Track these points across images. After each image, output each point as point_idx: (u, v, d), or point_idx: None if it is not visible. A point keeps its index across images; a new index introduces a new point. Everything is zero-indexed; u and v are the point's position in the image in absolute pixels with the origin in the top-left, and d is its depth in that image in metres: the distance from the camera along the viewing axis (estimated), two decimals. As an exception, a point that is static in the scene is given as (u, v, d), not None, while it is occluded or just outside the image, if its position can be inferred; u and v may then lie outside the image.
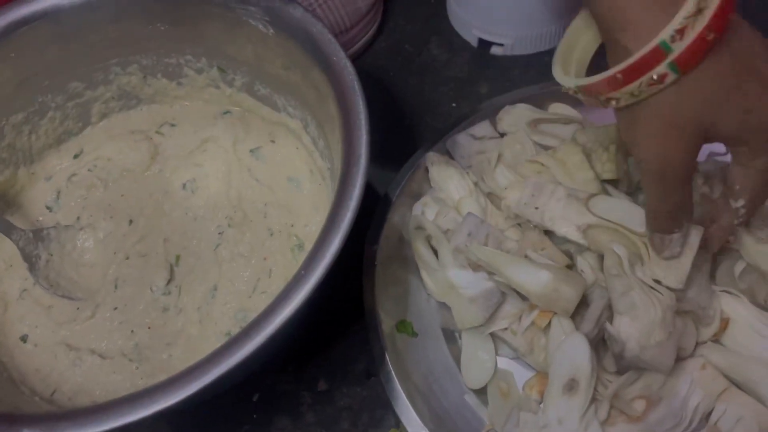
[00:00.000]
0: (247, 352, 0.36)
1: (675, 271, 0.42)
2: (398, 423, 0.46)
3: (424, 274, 0.49)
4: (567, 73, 0.40)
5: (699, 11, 0.32)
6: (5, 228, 0.48)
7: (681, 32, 0.32)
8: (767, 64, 0.34)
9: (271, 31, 0.47)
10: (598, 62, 0.39)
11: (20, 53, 0.49)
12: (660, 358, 0.40)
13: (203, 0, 0.48)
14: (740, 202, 0.39)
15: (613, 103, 0.35)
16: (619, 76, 0.34)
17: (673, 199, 0.38)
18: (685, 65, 0.33)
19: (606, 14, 0.35)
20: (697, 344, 0.44)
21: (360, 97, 0.42)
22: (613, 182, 0.48)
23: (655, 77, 0.33)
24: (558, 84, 0.55)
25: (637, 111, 0.35)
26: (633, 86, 0.34)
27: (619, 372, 0.42)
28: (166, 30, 0.51)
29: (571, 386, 0.41)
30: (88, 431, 0.33)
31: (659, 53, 0.32)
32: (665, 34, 0.32)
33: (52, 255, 0.50)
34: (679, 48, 0.32)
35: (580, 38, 0.41)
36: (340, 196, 0.39)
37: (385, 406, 0.47)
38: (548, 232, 0.47)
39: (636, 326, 0.40)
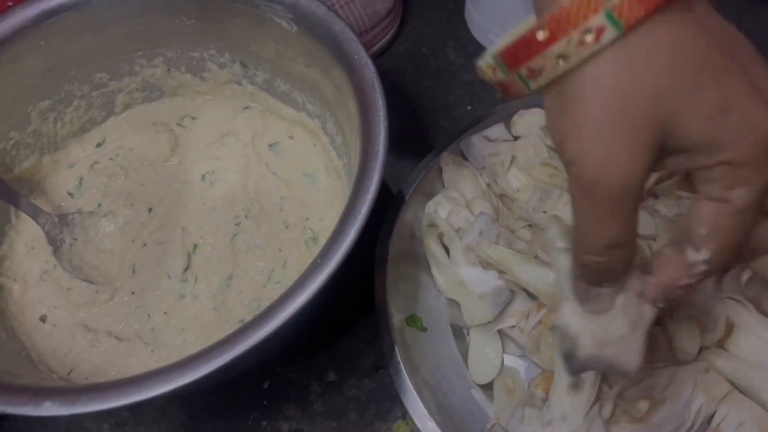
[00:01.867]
0: (261, 336, 0.36)
1: None
2: (405, 415, 0.47)
3: (434, 271, 0.50)
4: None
5: None
6: (33, 211, 0.49)
7: None
8: (749, 54, 0.26)
9: (295, 28, 0.48)
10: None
11: (49, 42, 0.51)
12: (623, 356, 0.31)
13: (229, -4, 0.50)
14: (703, 254, 0.27)
15: (537, 82, 0.26)
16: (543, 32, 0.24)
17: (610, 233, 0.26)
18: (629, 15, 0.23)
19: None
20: (701, 349, 0.45)
21: (379, 94, 0.43)
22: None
23: (589, 30, 0.24)
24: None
25: (569, 90, 0.25)
26: (560, 45, 0.24)
27: (572, 374, 0.36)
28: (191, 24, 0.52)
29: (576, 384, 0.42)
30: (105, 405, 0.34)
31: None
32: None
33: (75, 240, 0.51)
34: None
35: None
36: (357, 189, 0.40)
37: (392, 399, 0.48)
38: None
39: (591, 316, 0.31)
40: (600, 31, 0.24)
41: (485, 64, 0.28)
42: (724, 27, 0.26)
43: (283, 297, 0.38)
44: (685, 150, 0.25)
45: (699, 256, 0.27)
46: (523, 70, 0.26)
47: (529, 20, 0.26)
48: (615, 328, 0.30)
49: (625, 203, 0.25)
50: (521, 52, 0.25)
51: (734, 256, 0.27)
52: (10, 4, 0.65)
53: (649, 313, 0.30)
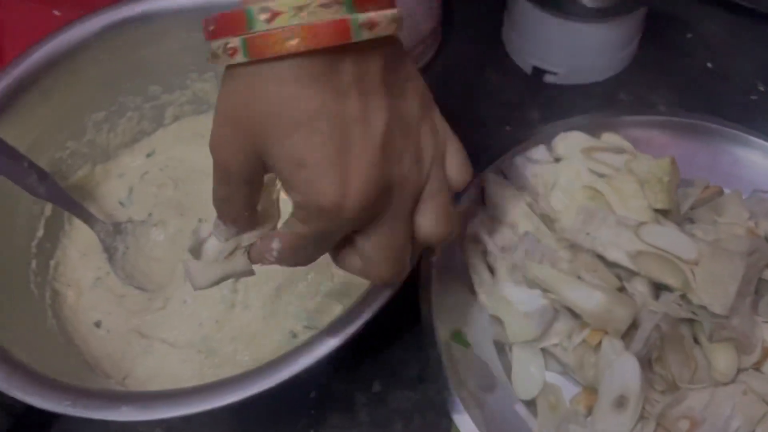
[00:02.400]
0: (327, 351, 0.38)
1: (720, 298, 0.45)
2: (449, 428, 0.49)
3: (477, 288, 0.51)
4: None
5: (321, 5, 0.27)
6: (89, 219, 0.51)
7: (276, 14, 0.27)
8: (358, 132, 0.30)
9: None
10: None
11: (110, 55, 0.53)
12: (196, 277, 0.38)
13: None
14: (276, 246, 0.35)
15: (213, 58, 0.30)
16: (211, 26, 0.30)
17: (220, 191, 0.34)
18: (257, 52, 0.28)
19: None
20: (739, 371, 0.46)
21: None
22: (663, 212, 0.50)
23: (229, 46, 0.28)
24: (609, 114, 0.58)
25: (225, 79, 0.31)
26: (217, 44, 0.29)
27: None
28: (245, 42, 0.54)
29: (620, 402, 0.43)
30: (181, 412, 0.36)
31: (241, 20, 0.28)
32: (255, 4, 0.28)
33: (128, 248, 0.53)
34: (260, 28, 0.28)
35: None
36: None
37: (436, 411, 0.49)
38: (598, 257, 0.49)
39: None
40: (234, 51, 0.28)
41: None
42: (358, 102, 0.30)
43: (352, 310, 0.39)
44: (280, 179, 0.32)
45: (275, 246, 0.35)
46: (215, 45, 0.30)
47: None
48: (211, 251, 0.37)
49: (232, 177, 0.33)
50: (208, 24, 0.30)
51: (296, 263, 0.35)
52: (56, 13, 0.67)
53: (241, 264, 0.37)
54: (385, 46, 0.32)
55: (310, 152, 0.30)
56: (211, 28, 0.30)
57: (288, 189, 0.32)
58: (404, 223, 0.35)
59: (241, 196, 0.34)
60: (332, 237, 0.34)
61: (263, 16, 0.28)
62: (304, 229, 0.33)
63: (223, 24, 0.29)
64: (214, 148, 0.32)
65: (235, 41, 0.28)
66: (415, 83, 0.35)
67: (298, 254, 0.35)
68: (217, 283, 0.37)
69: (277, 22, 0.28)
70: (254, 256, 0.37)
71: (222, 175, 0.33)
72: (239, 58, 0.28)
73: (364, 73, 0.31)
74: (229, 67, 0.30)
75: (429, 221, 0.35)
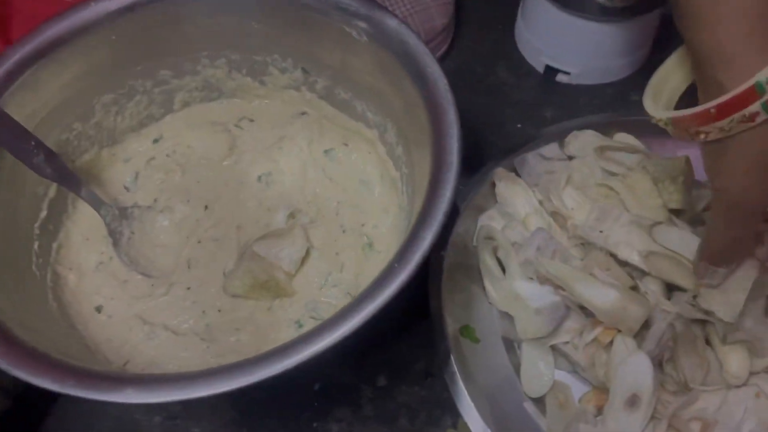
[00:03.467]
0: (333, 341, 0.37)
1: (729, 305, 0.44)
2: (455, 424, 0.48)
3: (487, 283, 0.51)
4: (657, 106, 0.42)
5: None
6: (95, 202, 0.50)
7: None
8: None
9: (365, 38, 0.49)
10: (685, 100, 0.41)
11: (121, 37, 0.52)
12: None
13: (302, 4, 0.51)
14: None
15: (702, 136, 0.37)
16: (712, 111, 0.35)
17: (736, 233, 0.39)
18: None
19: (704, 47, 0.36)
20: (752, 374, 0.46)
21: (453, 107, 0.44)
22: (677, 212, 0.50)
23: (747, 115, 0.34)
24: (622, 114, 0.58)
25: (725, 144, 0.37)
26: (724, 122, 0.35)
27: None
28: (258, 28, 0.53)
29: (632, 402, 0.43)
30: (186, 395, 0.35)
31: (753, 93, 0.34)
32: (762, 76, 0.33)
33: (134, 233, 0.52)
34: None
35: (673, 75, 0.43)
36: (431, 197, 0.41)
37: (442, 407, 0.48)
38: (611, 255, 0.49)
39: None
40: (755, 115, 0.34)
41: (658, 119, 0.41)
42: None
43: (357, 301, 0.38)
44: None
45: None
46: (691, 130, 0.37)
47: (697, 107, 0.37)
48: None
49: (750, 216, 0.38)
50: (692, 122, 0.37)
51: None
52: (67, -2, 0.67)
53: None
54: None
55: None
56: (713, 112, 0.35)
57: None
58: None
59: (752, 230, 0.41)
60: None
61: None
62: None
63: (731, 104, 0.34)
64: (738, 193, 0.37)
65: (754, 107, 0.34)
66: None
67: None
68: None
69: None
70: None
71: (739, 216, 0.38)
72: (761, 118, 0.34)
73: None
74: (728, 137, 0.36)
75: None
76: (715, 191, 0.39)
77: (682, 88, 0.43)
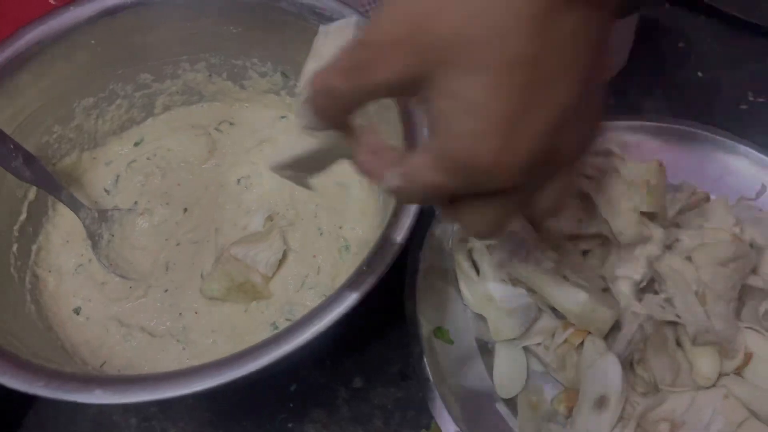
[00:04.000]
0: (304, 341, 0.38)
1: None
2: (429, 424, 0.48)
3: (462, 286, 0.51)
4: None
5: None
6: (74, 205, 0.51)
7: None
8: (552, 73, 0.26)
9: (341, 43, 0.50)
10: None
11: (101, 41, 0.52)
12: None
13: (278, 8, 0.51)
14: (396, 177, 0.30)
15: None
16: None
17: (347, 78, 0.29)
18: None
19: None
20: (720, 375, 0.46)
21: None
22: (650, 215, 0.50)
23: None
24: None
25: None
26: None
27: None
28: (237, 32, 0.54)
29: (601, 403, 0.43)
30: (156, 396, 0.35)
31: None
32: None
33: (113, 236, 0.52)
34: None
35: None
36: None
37: (417, 408, 0.49)
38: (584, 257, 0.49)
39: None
40: None
41: None
42: (563, 60, 0.26)
43: (326, 302, 0.39)
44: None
45: (398, 171, 0.29)
46: None
47: None
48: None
49: (370, 77, 0.28)
50: None
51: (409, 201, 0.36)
52: (52, 1, 0.67)
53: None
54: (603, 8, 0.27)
55: (491, 101, 0.25)
56: None
57: (432, 130, 0.28)
58: (529, 196, 0.31)
59: (361, 96, 0.29)
60: (457, 191, 0.29)
61: None
62: (434, 178, 0.28)
63: None
64: (372, 42, 0.27)
65: None
66: (604, 55, 0.30)
67: (414, 196, 0.31)
68: (289, 167, 0.34)
69: None
70: (367, 167, 0.31)
71: (361, 67, 0.28)
72: None
73: (580, 31, 0.26)
74: None
75: (547, 202, 0.31)
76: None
77: None
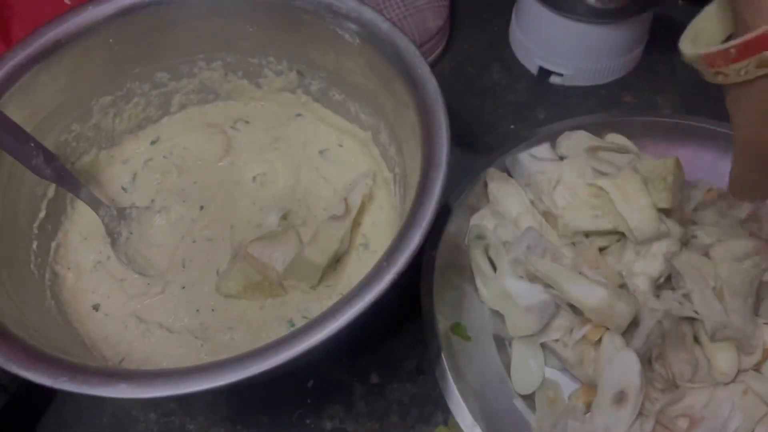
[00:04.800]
0: (323, 338, 0.38)
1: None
2: (446, 420, 0.48)
3: (479, 282, 0.51)
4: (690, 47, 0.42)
5: None
6: (94, 203, 0.51)
7: None
8: None
9: (357, 41, 0.50)
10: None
11: (118, 40, 0.53)
12: None
13: (295, 7, 0.51)
14: None
15: (720, 78, 0.38)
16: (732, 51, 0.36)
17: (753, 170, 0.42)
18: None
19: None
20: (739, 371, 0.46)
21: (442, 108, 0.45)
22: (667, 212, 0.50)
23: (764, 59, 0.34)
24: (614, 115, 0.59)
25: (744, 89, 0.38)
26: (742, 64, 0.35)
27: None
28: (253, 31, 0.54)
29: (620, 398, 0.43)
30: (180, 390, 0.35)
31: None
32: None
33: (131, 233, 0.53)
34: None
35: (712, 22, 0.43)
36: (420, 197, 0.42)
37: (433, 404, 0.49)
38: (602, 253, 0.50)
39: None
40: None
41: (689, 56, 0.41)
42: None
43: (345, 299, 0.39)
44: None
45: None
46: (712, 70, 0.38)
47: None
48: None
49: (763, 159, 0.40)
50: (714, 60, 0.38)
51: None
52: (67, 2, 0.68)
53: None
54: None
55: None
56: (733, 52, 0.35)
57: None
58: None
59: None
60: None
61: None
62: None
63: (750, 45, 0.34)
64: (753, 134, 0.39)
65: None
66: None
67: None
68: None
69: None
70: None
71: (755, 155, 0.41)
72: None
73: None
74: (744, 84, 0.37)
75: None
76: (734, 127, 0.41)
77: (720, 36, 0.43)
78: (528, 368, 0.48)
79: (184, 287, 0.51)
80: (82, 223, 0.54)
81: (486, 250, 0.52)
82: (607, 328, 0.46)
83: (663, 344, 0.46)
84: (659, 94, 0.64)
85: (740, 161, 0.43)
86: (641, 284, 0.47)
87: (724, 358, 0.46)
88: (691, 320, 0.47)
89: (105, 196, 0.56)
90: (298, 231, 0.53)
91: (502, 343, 0.50)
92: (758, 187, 0.44)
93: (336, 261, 0.51)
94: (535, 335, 0.47)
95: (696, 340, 0.47)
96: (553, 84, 0.66)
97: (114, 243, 0.52)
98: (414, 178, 0.44)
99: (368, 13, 0.49)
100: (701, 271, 0.48)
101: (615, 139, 0.57)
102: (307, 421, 0.49)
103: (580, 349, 0.47)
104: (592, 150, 0.55)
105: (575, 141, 0.56)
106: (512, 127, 0.63)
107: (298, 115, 0.59)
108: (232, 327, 0.50)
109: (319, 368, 0.51)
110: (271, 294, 0.50)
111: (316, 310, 0.50)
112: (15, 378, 0.37)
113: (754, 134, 0.39)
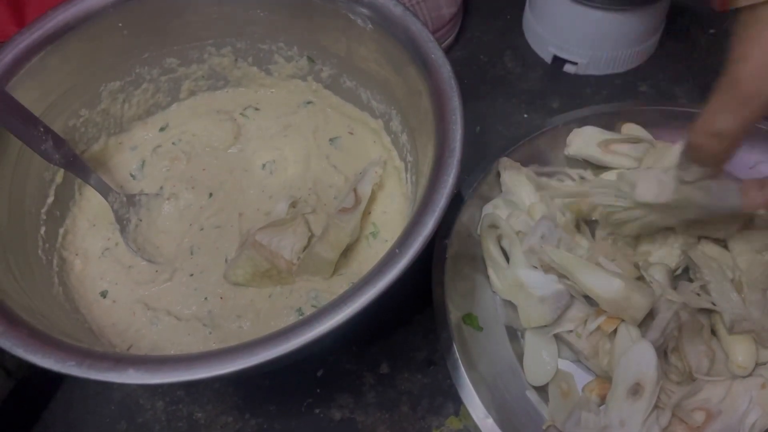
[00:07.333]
0: (334, 325, 0.37)
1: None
2: (457, 411, 0.48)
3: (491, 272, 0.51)
4: None
5: None
6: (103, 189, 0.50)
7: None
8: None
9: (369, 26, 0.49)
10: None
11: (128, 24, 0.52)
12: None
13: (306, -9, 0.51)
14: None
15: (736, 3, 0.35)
16: None
17: (736, 116, 0.35)
18: None
19: None
20: (757, 364, 0.45)
21: (457, 93, 0.44)
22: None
23: None
24: (630, 105, 0.58)
25: (758, 12, 0.34)
26: None
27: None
28: (264, 16, 0.54)
29: (635, 390, 0.42)
30: (189, 377, 0.35)
31: None
32: None
33: (141, 220, 0.52)
34: None
35: None
36: (434, 183, 0.41)
37: (444, 395, 0.48)
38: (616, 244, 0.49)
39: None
40: None
41: None
42: None
43: (356, 287, 0.38)
44: None
45: None
46: None
47: None
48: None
49: (750, 107, 0.35)
50: None
51: None
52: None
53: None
54: None
55: None
56: None
57: None
58: None
59: (743, 128, 0.35)
60: None
61: None
62: None
63: None
64: (758, 78, 0.34)
65: None
66: None
67: None
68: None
69: None
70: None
71: (739, 100, 0.35)
72: None
73: None
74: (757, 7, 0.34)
75: None
76: (732, 61, 0.35)
77: None
78: (541, 360, 0.47)
79: (192, 275, 0.51)
80: (90, 210, 0.53)
81: (499, 240, 0.51)
82: (623, 320, 0.45)
83: (680, 336, 0.45)
84: (676, 84, 0.63)
85: (721, 99, 0.36)
86: (658, 275, 0.47)
87: (742, 351, 0.45)
88: (709, 312, 0.46)
89: (114, 183, 0.55)
90: (308, 219, 0.52)
91: (514, 334, 0.49)
92: (718, 146, 0.37)
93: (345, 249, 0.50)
94: (549, 326, 0.47)
95: (713, 332, 0.46)
96: (567, 73, 0.65)
97: (123, 230, 0.51)
98: (426, 166, 0.43)
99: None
100: (719, 263, 0.47)
101: (630, 129, 0.56)
102: (317, 411, 0.48)
103: (594, 340, 0.46)
104: (605, 144, 0.54)
105: (585, 138, 0.55)
106: (525, 116, 0.62)
107: (309, 102, 0.58)
108: (240, 315, 0.49)
109: (328, 358, 0.50)
110: (280, 282, 0.50)
111: (325, 299, 0.49)
112: (22, 364, 0.36)
113: (759, 59, 0.33)
